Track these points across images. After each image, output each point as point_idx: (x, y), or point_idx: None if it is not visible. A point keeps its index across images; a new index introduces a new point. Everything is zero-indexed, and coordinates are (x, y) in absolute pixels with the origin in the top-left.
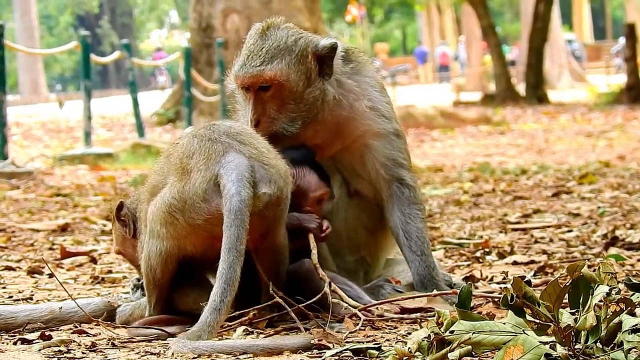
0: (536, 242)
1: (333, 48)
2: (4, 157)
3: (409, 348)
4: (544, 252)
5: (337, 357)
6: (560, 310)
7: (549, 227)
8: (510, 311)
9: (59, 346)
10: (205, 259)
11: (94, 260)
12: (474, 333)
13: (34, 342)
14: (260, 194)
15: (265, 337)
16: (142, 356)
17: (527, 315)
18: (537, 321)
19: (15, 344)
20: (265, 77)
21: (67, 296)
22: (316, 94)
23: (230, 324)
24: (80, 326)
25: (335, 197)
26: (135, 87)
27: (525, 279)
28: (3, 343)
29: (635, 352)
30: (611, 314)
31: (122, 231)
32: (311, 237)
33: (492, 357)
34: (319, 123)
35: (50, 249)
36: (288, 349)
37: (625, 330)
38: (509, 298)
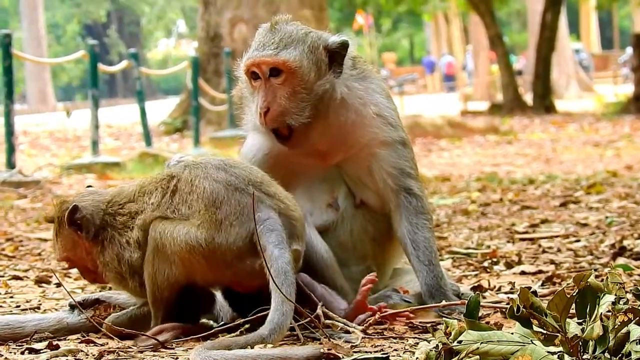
0: (544, 252)
1: (344, 45)
2: (12, 166)
3: (417, 358)
4: (552, 262)
5: None
6: (568, 320)
7: (556, 237)
8: (517, 321)
9: (67, 356)
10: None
11: None
12: (482, 343)
13: (41, 351)
14: (292, 251)
15: (273, 346)
16: None
17: (534, 325)
18: (545, 331)
19: (22, 353)
20: (278, 62)
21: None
22: (326, 87)
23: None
24: (87, 336)
25: (340, 208)
26: (143, 96)
27: (532, 289)
28: (10, 352)
29: None
30: (619, 324)
31: (75, 235)
32: None
33: None
34: (325, 124)
35: None
36: (297, 358)
37: (633, 340)
38: (515, 309)
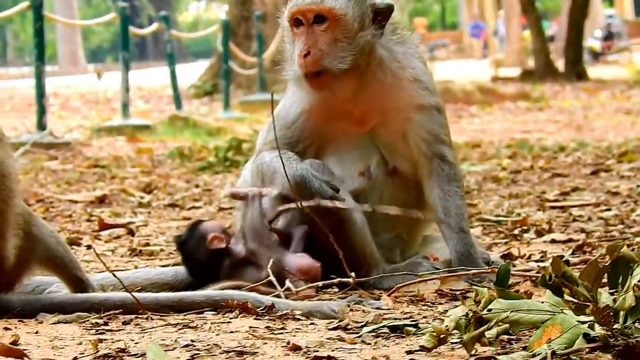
0: (574, 220)
1: (389, 8)
2: (43, 127)
3: (446, 326)
4: (582, 230)
5: (374, 334)
6: (599, 290)
7: (587, 205)
8: (548, 290)
9: (97, 319)
10: None
11: (131, 233)
12: (511, 311)
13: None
14: None
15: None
16: (179, 329)
17: (565, 294)
18: (576, 301)
19: (54, 316)
20: (324, 8)
21: (105, 269)
22: (368, 39)
23: None
24: None
25: (372, 177)
26: (174, 60)
27: (564, 258)
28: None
29: None
30: None
31: None
32: None
33: (530, 336)
34: (362, 82)
35: (89, 220)
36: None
37: None
38: (547, 277)
